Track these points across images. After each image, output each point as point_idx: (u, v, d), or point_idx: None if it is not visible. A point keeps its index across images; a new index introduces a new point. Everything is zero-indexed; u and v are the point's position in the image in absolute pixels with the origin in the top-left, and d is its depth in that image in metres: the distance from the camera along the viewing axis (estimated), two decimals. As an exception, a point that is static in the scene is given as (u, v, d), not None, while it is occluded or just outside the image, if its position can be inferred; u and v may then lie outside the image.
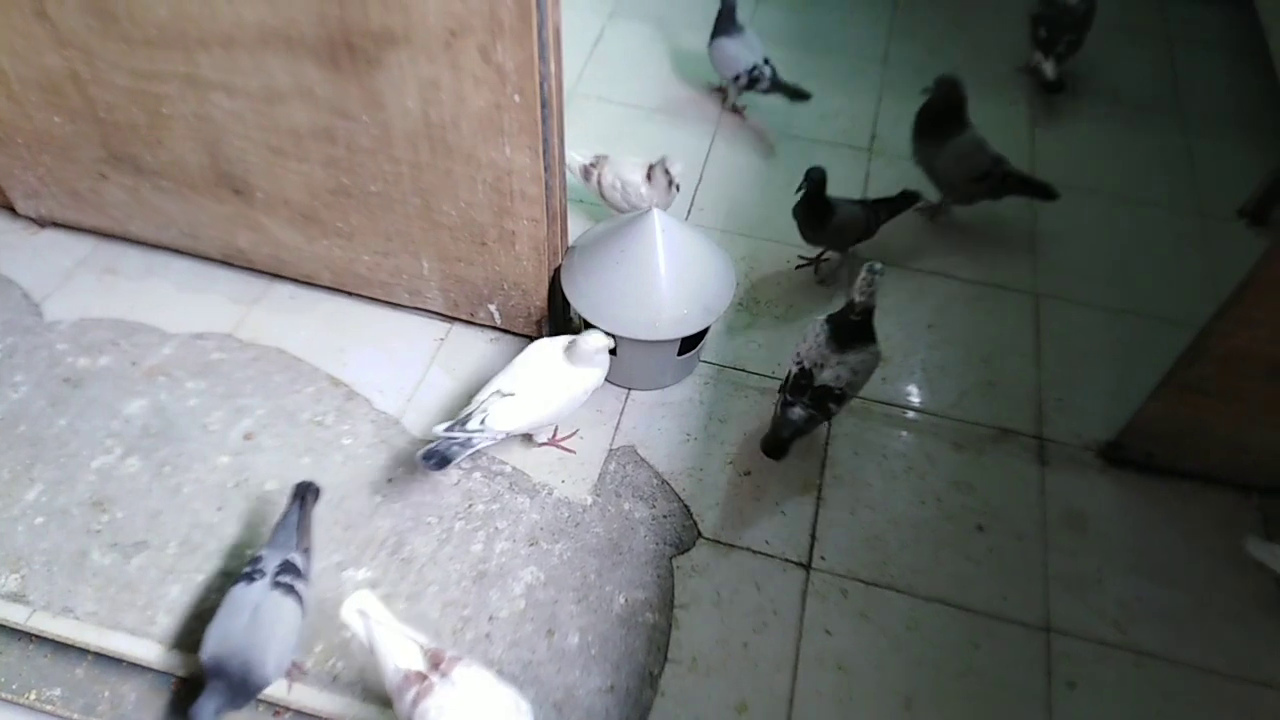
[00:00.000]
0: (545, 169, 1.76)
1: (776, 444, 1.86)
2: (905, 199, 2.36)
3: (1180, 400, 1.80)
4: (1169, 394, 1.81)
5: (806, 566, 1.82)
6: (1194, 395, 1.78)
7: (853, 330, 1.78)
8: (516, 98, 1.62)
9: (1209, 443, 1.88)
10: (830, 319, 1.81)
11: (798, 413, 1.81)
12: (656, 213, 1.91)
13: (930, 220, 2.54)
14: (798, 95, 2.73)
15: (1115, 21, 3.33)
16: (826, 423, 1.98)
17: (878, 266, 1.70)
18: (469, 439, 1.75)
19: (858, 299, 1.73)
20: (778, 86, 2.71)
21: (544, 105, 1.64)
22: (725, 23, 2.69)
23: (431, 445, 1.73)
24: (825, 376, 1.78)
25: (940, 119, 2.37)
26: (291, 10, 1.60)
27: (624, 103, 2.84)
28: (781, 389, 1.87)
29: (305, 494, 1.66)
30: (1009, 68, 3.08)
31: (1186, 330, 1.79)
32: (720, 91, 2.90)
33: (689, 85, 2.92)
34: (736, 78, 2.72)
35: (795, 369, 1.83)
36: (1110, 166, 2.76)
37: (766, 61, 2.69)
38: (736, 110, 2.88)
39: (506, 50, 1.54)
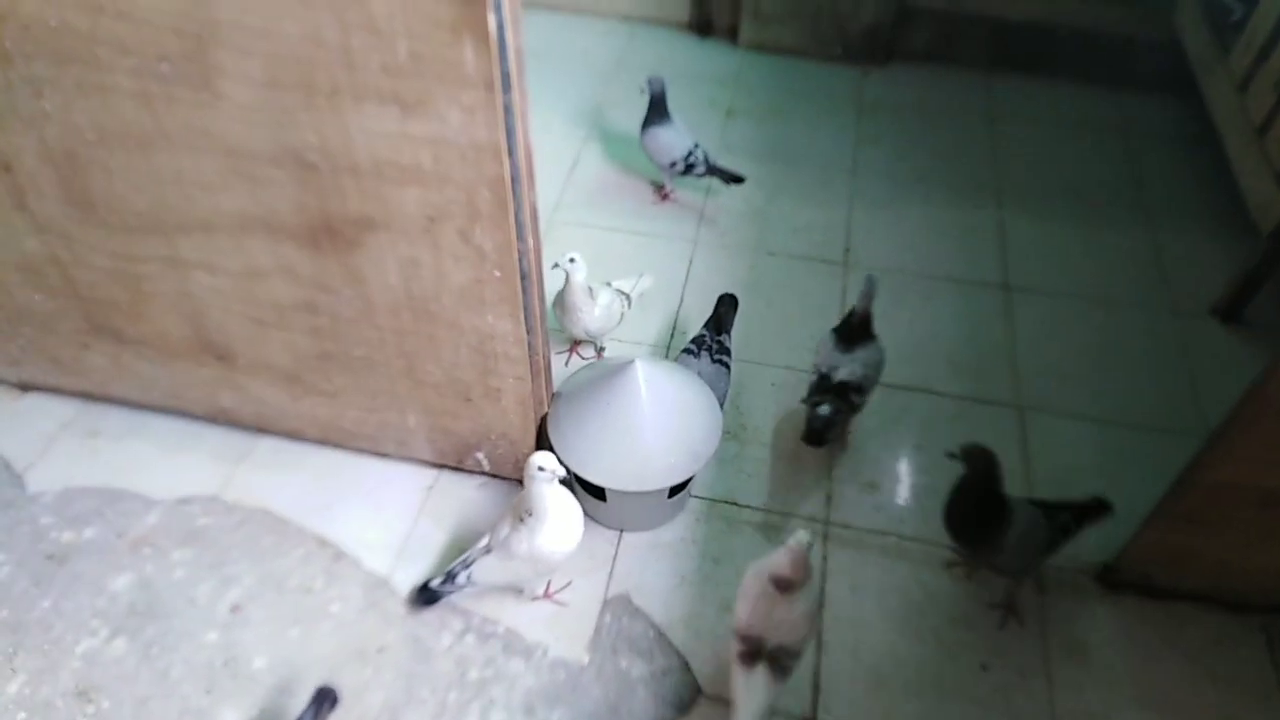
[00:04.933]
0: (528, 331, 1.77)
1: (812, 434, 2.09)
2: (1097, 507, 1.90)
3: (1172, 529, 1.80)
4: (1160, 524, 1.81)
5: None
6: (1185, 524, 1.78)
7: (854, 333, 2.10)
8: (496, 273, 1.64)
9: (1205, 566, 1.88)
10: (835, 330, 2.13)
11: (825, 408, 2.07)
12: (639, 363, 1.92)
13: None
14: (732, 179, 2.82)
15: (1070, 117, 3.44)
16: (854, 415, 2.19)
17: (875, 276, 2.06)
18: (456, 590, 1.85)
19: (857, 307, 2.07)
20: (713, 170, 2.80)
21: (524, 278, 1.66)
22: (656, 112, 2.78)
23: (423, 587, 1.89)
24: (842, 374, 2.07)
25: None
26: (270, 201, 1.62)
27: (603, 226, 2.88)
28: (808, 396, 2.12)
29: (323, 701, 1.58)
30: (976, 169, 3.18)
31: (1173, 437, 1.80)
32: (659, 188, 2.99)
33: (666, 206, 2.97)
34: (673, 164, 2.80)
35: (815, 377, 2.12)
36: (1082, 268, 2.81)
37: (698, 146, 2.79)
38: (665, 195, 2.97)
39: (485, 233, 1.57)
